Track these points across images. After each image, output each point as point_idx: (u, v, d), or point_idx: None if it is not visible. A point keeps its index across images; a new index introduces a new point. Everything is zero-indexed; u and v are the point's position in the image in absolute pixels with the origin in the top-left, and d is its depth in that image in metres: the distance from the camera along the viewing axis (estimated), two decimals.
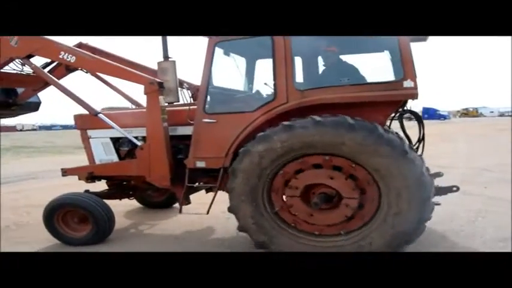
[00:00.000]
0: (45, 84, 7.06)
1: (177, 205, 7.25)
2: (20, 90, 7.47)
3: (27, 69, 6.40)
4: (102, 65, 5.52)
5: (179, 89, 5.84)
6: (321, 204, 4.16)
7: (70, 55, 5.50)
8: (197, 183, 5.24)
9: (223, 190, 4.87)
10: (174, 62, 5.67)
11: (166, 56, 5.66)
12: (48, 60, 6.48)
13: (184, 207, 5.20)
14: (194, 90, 6.26)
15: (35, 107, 8.12)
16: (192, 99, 6.19)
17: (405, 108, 4.84)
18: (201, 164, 4.86)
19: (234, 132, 4.60)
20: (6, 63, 6.08)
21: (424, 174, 3.93)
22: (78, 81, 6.32)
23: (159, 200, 7.30)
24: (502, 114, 73.09)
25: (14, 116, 8.14)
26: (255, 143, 4.21)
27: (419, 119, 4.97)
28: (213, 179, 5.09)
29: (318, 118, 4.01)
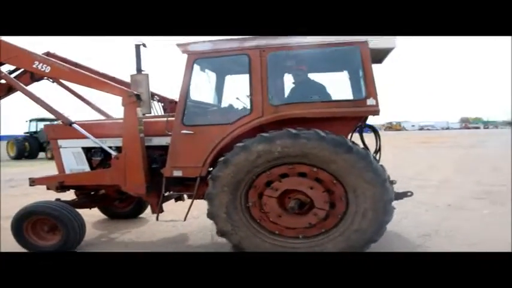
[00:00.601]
0: (6, 93, 6.96)
1: (143, 215, 7.46)
2: None
3: None
4: (78, 76, 5.59)
5: (151, 101, 6.07)
6: (296, 209, 4.55)
7: (44, 65, 5.54)
8: (170, 192, 5.44)
9: (199, 198, 5.15)
10: (147, 75, 5.91)
11: (139, 69, 5.88)
12: (11, 68, 6.42)
13: (160, 215, 5.38)
14: (166, 103, 6.49)
15: None
16: (163, 111, 6.42)
17: (365, 122, 5.39)
18: (178, 173, 5.09)
19: (212, 143, 4.90)
20: None
21: (387, 180, 4.46)
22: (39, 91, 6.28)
23: (125, 210, 7.37)
24: (421, 128, 78.24)
25: None
26: (256, 142, 4.48)
27: (376, 132, 5.55)
28: (185, 187, 5.36)
29: (322, 133, 4.39)
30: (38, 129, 26.52)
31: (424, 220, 6.72)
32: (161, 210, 5.47)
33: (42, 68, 5.55)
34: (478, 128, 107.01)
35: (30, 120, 26.91)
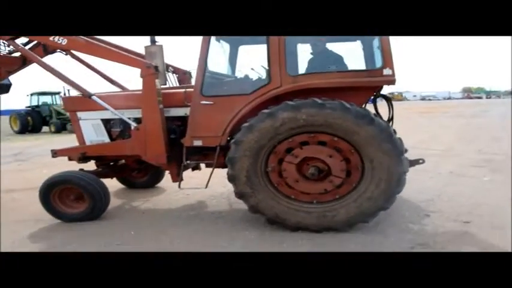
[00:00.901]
0: (21, 66, 7.05)
1: (159, 185, 7.68)
2: None
3: None
4: (96, 49, 5.65)
5: (165, 72, 6.17)
6: (315, 176, 4.74)
7: (61, 38, 5.60)
8: (189, 161, 5.61)
9: (218, 167, 5.34)
10: (161, 46, 5.99)
11: (153, 41, 5.96)
12: (24, 41, 6.48)
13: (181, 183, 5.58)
14: (180, 74, 6.59)
15: (6, 88, 8.03)
16: (178, 82, 6.52)
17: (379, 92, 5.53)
18: (198, 143, 5.26)
19: (231, 113, 5.05)
20: None
21: (404, 153, 4.65)
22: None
23: (142, 180, 7.59)
24: (423, 98, 78.02)
25: None
26: (281, 110, 4.62)
27: (389, 101, 5.69)
28: (203, 156, 5.54)
29: (347, 105, 4.52)
30: (40, 103, 26.56)
31: (428, 186, 6.97)
32: (181, 179, 5.66)
33: (58, 40, 5.60)
34: (480, 98, 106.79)
35: (32, 94, 26.88)
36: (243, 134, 4.77)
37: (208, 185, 5.42)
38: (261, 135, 4.72)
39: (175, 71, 6.57)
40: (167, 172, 6.41)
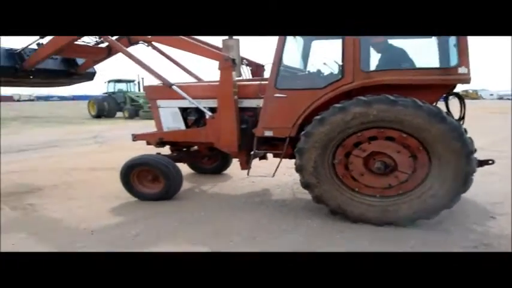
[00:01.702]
0: (106, 55, 7.69)
1: (225, 172, 8.07)
2: (79, 60, 8.11)
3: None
4: (178, 41, 6.05)
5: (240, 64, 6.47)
6: (382, 170, 4.83)
7: None
8: (258, 151, 5.87)
9: (286, 157, 5.57)
10: (238, 40, 6.27)
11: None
12: None
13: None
14: (253, 67, 6.88)
15: (91, 76, 8.78)
16: (251, 74, 6.82)
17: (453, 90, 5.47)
18: (268, 133, 5.51)
19: (302, 106, 5.24)
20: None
21: (473, 153, 4.63)
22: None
23: (211, 166, 8.03)
24: (501, 98, 72.82)
25: (70, 85, 8.79)
26: (353, 105, 4.74)
27: (461, 100, 5.61)
28: (271, 147, 5.79)
29: (419, 102, 4.58)
30: (116, 90, 28.28)
31: (496, 188, 6.73)
32: (249, 167, 5.95)
33: None
34: None
35: (109, 81, 28.71)
36: (314, 127, 4.93)
37: (275, 174, 5.66)
38: (331, 128, 4.86)
39: (250, 64, 6.86)
40: (234, 160, 6.77)
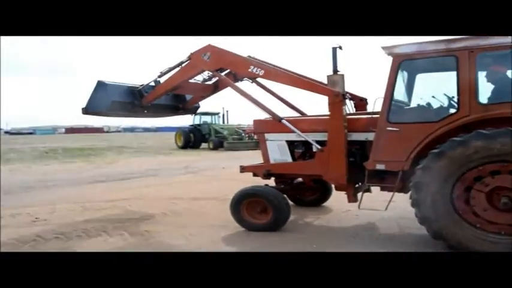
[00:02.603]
0: (212, 92, 8.20)
1: (325, 204, 8.11)
2: (188, 96, 8.73)
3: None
4: (289, 78, 6.37)
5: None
6: (510, 206, 4.63)
7: (259, 69, 6.44)
8: (369, 184, 5.86)
9: (399, 191, 5.52)
10: (342, 75, 6.44)
11: (335, 70, 6.45)
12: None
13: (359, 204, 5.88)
14: (356, 100, 6.98)
15: (194, 110, 9.41)
16: (355, 108, 6.91)
17: None
18: (380, 167, 5.52)
19: (416, 139, 5.21)
20: (196, 74, 7.24)
21: None
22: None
23: (311, 198, 8.12)
24: None
25: (174, 115, 9.44)
26: (474, 138, 4.67)
27: None
28: (379, 180, 5.77)
29: None
30: (201, 122, 29.69)
31: None
32: (356, 200, 5.97)
33: (256, 71, 6.46)
34: None
35: (195, 114, 30.21)
36: (432, 160, 4.88)
37: (387, 207, 5.61)
38: (450, 162, 4.78)
39: (353, 97, 6.97)
40: (334, 192, 6.78)
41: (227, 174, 13.67)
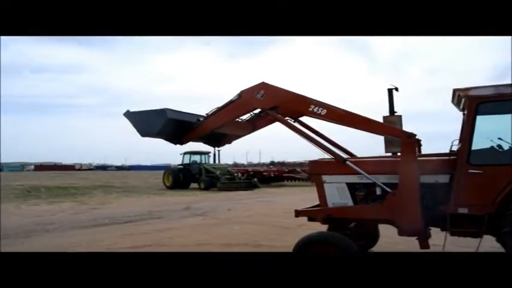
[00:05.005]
0: (251, 131, 7.87)
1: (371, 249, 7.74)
2: None
3: None
4: (355, 119, 6.10)
5: None
6: None
7: (320, 108, 6.19)
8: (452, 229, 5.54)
9: (486, 234, 5.27)
10: (400, 116, 6.30)
11: (392, 111, 6.31)
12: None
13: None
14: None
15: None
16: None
17: None
18: (463, 210, 5.28)
19: (502, 182, 5.05)
20: (246, 113, 6.94)
21: None
22: None
23: (358, 243, 7.72)
24: None
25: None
26: None
27: None
28: (457, 224, 5.47)
29: None
30: (191, 161, 29.14)
31: None
32: (429, 245, 5.65)
33: (318, 110, 6.19)
34: None
35: (184, 153, 29.69)
36: None
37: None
38: None
39: None
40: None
41: (239, 216, 13.07)
